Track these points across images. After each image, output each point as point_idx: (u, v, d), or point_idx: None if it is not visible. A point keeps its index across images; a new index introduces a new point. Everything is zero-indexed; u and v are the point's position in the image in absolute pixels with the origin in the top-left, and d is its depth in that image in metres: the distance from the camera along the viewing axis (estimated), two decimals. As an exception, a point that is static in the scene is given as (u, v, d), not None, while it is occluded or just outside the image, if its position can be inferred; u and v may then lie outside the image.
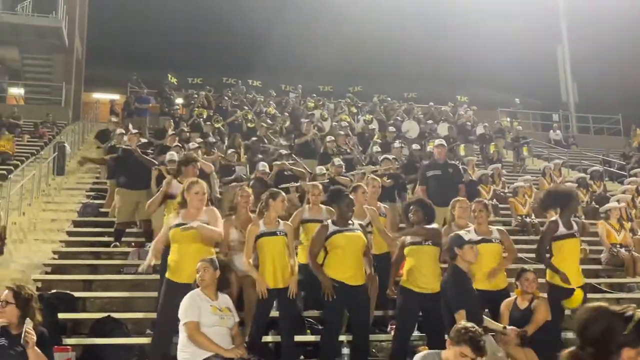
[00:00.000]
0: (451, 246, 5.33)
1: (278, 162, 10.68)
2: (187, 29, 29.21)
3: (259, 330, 5.84)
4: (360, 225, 6.11)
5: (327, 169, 10.23)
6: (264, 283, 5.74)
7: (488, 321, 5.44)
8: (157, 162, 9.37)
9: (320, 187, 7.45)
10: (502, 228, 6.95)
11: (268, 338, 6.35)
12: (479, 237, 6.05)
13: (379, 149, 13.24)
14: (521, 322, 5.68)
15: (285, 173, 10.26)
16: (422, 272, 5.88)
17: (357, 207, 6.43)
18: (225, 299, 5.20)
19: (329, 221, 6.05)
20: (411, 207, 6.19)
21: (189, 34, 29.30)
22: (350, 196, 6.26)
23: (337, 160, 10.66)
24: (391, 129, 15.36)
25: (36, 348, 4.22)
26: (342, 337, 6.14)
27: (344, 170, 10.57)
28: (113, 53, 27.07)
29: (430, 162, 9.78)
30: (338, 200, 6.04)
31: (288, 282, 5.84)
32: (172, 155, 9.24)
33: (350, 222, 5.99)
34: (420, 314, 6.06)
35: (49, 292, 6.73)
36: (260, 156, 11.94)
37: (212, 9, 28.92)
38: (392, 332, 6.33)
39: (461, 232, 5.51)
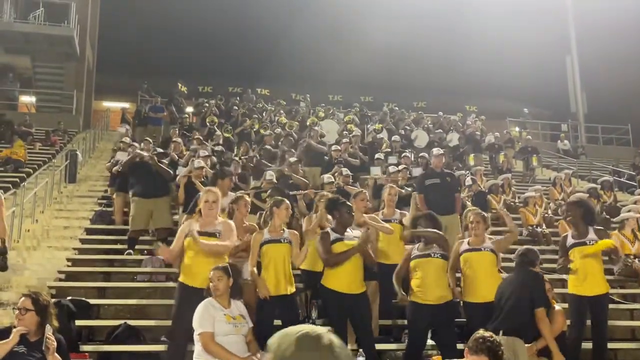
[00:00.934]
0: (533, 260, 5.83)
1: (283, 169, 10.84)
2: (197, 38, 29.34)
3: (259, 337, 5.79)
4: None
5: (335, 178, 10.27)
6: (265, 287, 5.76)
7: None
8: (171, 172, 9.52)
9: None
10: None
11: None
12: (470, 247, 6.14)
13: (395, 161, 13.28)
14: (537, 332, 5.68)
15: (290, 181, 10.35)
16: (430, 285, 5.86)
17: (357, 214, 6.48)
18: (238, 306, 5.19)
19: (329, 229, 6.08)
20: (420, 220, 6.20)
21: (199, 42, 29.43)
22: (350, 203, 6.31)
23: (345, 170, 10.70)
24: (395, 138, 15.36)
25: (56, 354, 4.26)
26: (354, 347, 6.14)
27: (351, 180, 10.62)
28: (124, 61, 27.25)
29: (427, 171, 9.82)
30: (337, 208, 6.06)
31: (290, 289, 5.85)
32: (199, 162, 9.38)
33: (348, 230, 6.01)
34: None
35: (66, 299, 6.75)
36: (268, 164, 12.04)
37: (222, 18, 29.07)
38: (406, 342, 6.34)
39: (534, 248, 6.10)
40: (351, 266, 5.83)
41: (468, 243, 6.22)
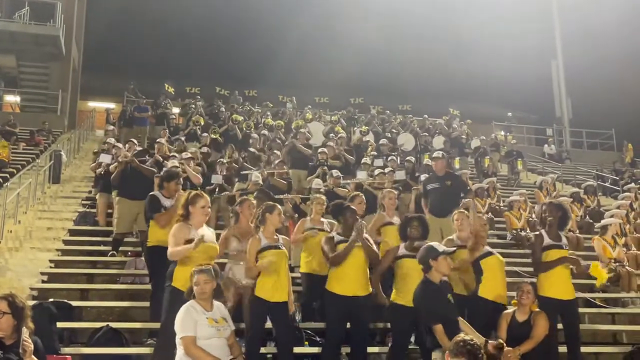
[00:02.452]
0: (425, 258, 5.33)
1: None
2: (184, 39, 29.32)
3: (254, 340, 5.78)
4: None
5: (325, 181, 10.31)
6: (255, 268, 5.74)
7: (470, 330, 5.39)
8: (155, 171, 9.44)
9: (324, 198, 7.56)
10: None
11: (267, 349, 6.32)
12: (459, 244, 6.19)
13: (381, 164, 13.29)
14: (519, 335, 5.70)
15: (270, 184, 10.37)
16: (413, 287, 5.88)
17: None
18: (220, 309, 5.13)
19: (334, 233, 6.13)
20: (413, 223, 6.23)
21: (186, 43, 29.41)
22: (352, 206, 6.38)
23: (335, 172, 10.72)
24: (383, 141, 15.39)
25: (33, 357, 4.21)
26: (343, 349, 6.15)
27: (341, 182, 10.64)
28: (110, 62, 27.16)
29: (430, 176, 9.86)
30: (342, 212, 6.10)
31: (285, 297, 5.81)
32: (173, 163, 9.38)
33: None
34: None
35: (48, 301, 6.69)
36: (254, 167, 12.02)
37: (210, 20, 29.06)
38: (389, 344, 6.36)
39: (434, 244, 5.53)
40: (356, 268, 5.89)
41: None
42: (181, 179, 7.77)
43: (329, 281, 5.97)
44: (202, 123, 16.41)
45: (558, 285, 6.19)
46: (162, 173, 8.33)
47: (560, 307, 6.18)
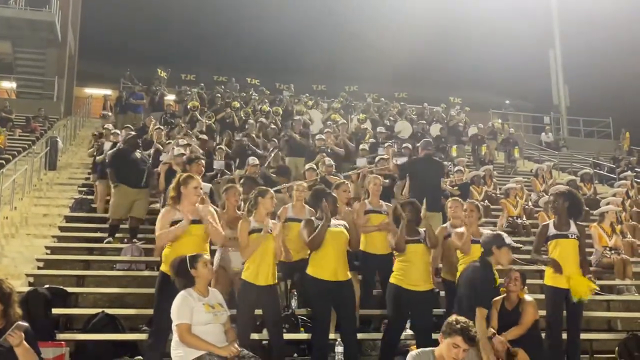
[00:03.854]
0: (490, 244, 5.44)
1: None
2: (181, 26, 29.19)
3: (245, 326, 5.72)
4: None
5: (317, 167, 10.26)
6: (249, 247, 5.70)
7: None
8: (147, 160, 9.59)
9: (305, 185, 7.54)
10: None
11: (259, 335, 6.31)
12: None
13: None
14: (508, 323, 5.71)
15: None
16: (414, 270, 5.96)
17: (340, 206, 6.48)
18: (215, 294, 5.14)
19: (313, 218, 6.09)
20: (408, 207, 6.24)
21: (182, 30, 29.27)
22: (333, 193, 6.36)
23: (328, 160, 10.67)
24: (380, 129, 15.35)
25: (25, 343, 4.19)
26: (336, 335, 6.14)
27: (334, 170, 10.60)
28: (106, 48, 27.01)
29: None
30: (320, 198, 6.04)
31: (273, 280, 5.78)
32: (179, 150, 9.39)
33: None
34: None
35: (43, 287, 6.69)
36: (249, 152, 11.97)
37: (206, 6, 28.89)
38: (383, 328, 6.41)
39: (503, 234, 5.64)
40: (335, 253, 5.84)
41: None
42: (202, 160, 8.33)
43: (310, 265, 5.92)
44: (198, 107, 16.31)
45: (564, 273, 6.13)
46: (184, 159, 8.79)
47: (565, 295, 6.17)
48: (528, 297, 5.90)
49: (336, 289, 5.81)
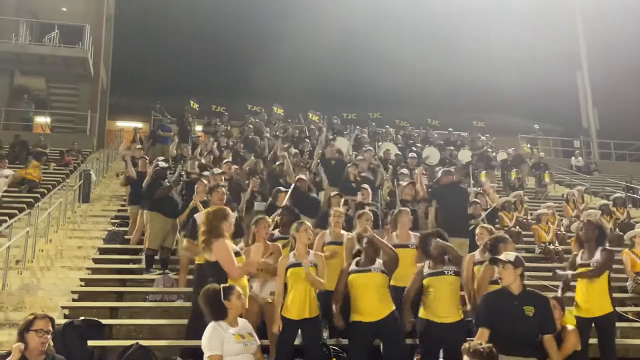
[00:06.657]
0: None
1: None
2: (211, 58, 29.65)
3: (281, 358, 5.81)
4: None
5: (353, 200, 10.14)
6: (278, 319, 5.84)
7: None
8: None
9: (343, 210, 7.58)
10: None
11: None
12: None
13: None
14: None
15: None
16: (442, 302, 5.83)
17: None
18: (244, 324, 5.12)
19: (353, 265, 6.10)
20: (431, 238, 6.13)
21: (212, 62, 29.73)
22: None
23: (365, 186, 10.61)
24: (412, 155, 15.34)
25: None
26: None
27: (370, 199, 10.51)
28: (137, 82, 27.56)
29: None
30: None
31: (311, 313, 5.83)
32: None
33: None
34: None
35: (79, 319, 6.80)
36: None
37: (236, 37, 29.37)
38: (417, 361, 6.32)
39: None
40: (372, 290, 5.83)
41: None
42: (222, 188, 8.25)
43: (352, 310, 5.92)
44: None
45: (588, 302, 6.10)
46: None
47: (594, 324, 6.11)
48: (570, 327, 5.81)
49: (376, 327, 5.79)
